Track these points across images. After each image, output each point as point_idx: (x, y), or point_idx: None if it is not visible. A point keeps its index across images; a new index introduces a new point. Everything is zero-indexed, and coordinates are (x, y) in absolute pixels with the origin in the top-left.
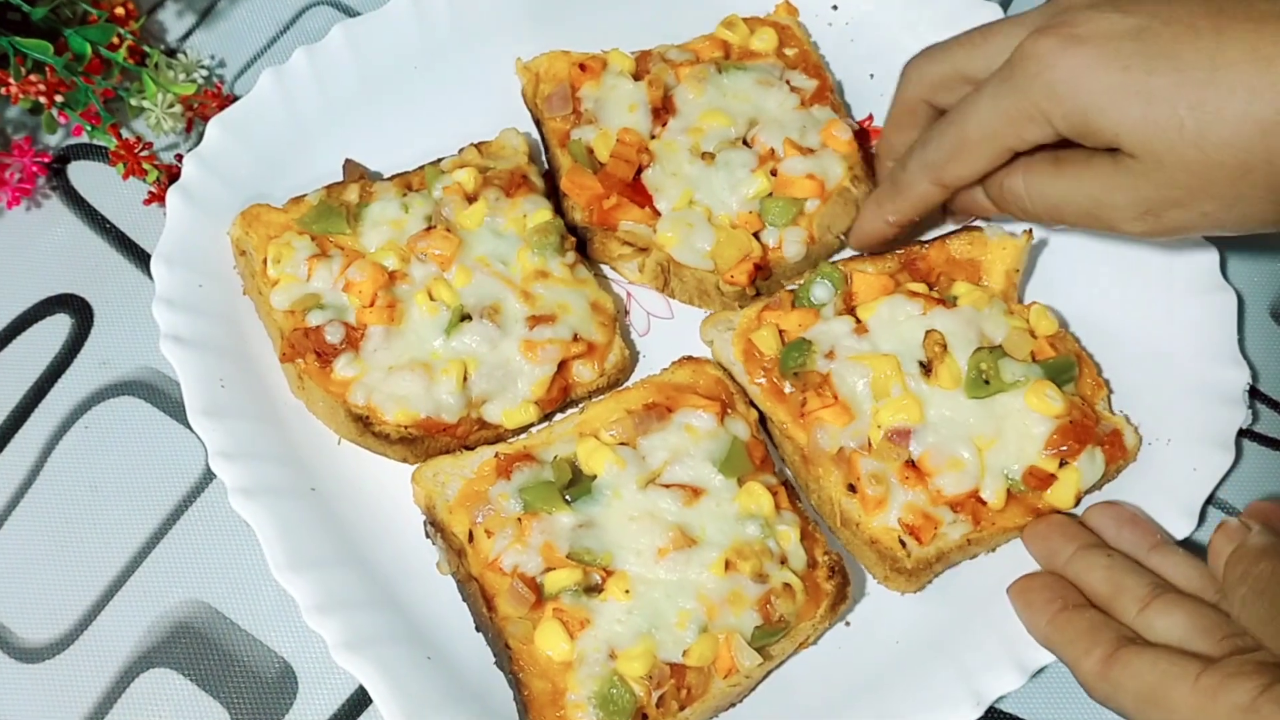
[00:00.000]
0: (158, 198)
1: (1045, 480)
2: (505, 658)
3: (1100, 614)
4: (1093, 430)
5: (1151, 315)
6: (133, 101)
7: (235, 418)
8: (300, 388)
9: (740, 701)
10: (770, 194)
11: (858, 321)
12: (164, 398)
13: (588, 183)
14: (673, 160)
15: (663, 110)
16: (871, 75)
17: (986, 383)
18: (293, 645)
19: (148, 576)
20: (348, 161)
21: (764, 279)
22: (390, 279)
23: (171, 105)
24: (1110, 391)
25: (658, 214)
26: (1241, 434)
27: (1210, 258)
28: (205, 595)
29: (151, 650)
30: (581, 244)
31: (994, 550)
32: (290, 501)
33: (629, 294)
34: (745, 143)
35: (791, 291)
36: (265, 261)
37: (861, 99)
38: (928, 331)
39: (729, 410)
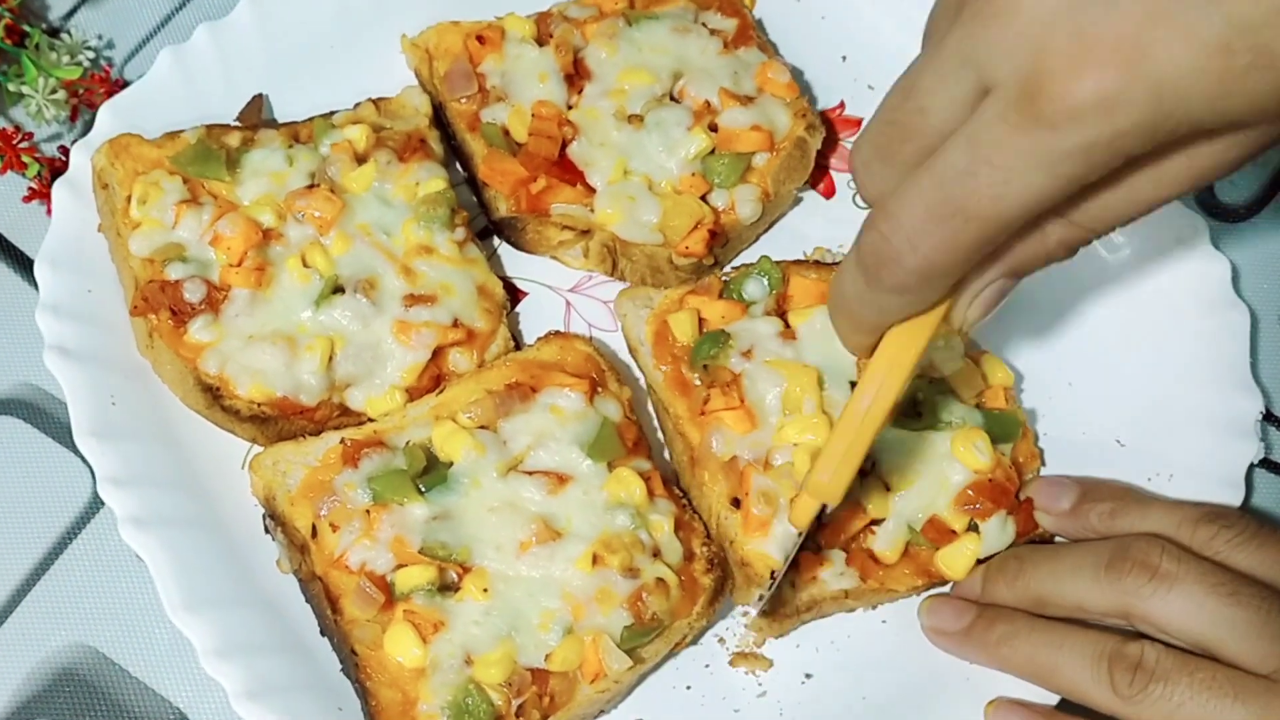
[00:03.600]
0: (39, 194)
1: (945, 535)
2: (351, 664)
3: None
4: (1010, 495)
5: (1153, 334)
6: (10, 87)
7: (127, 439)
8: (149, 346)
9: (610, 709)
10: (713, 151)
11: (786, 326)
12: (46, 418)
13: (509, 167)
14: (598, 129)
15: (576, 76)
16: (844, 57)
17: (919, 415)
18: (189, 694)
19: (27, 618)
20: (258, 96)
21: (721, 245)
22: (264, 238)
23: (54, 91)
24: (1043, 465)
25: (592, 191)
26: (1253, 464)
27: (1221, 269)
28: (91, 638)
29: (31, 700)
30: (513, 238)
31: (874, 607)
32: (188, 533)
33: (568, 304)
34: (673, 98)
35: (724, 280)
36: (129, 199)
37: (833, 83)
38: None
39: (599, 389)
